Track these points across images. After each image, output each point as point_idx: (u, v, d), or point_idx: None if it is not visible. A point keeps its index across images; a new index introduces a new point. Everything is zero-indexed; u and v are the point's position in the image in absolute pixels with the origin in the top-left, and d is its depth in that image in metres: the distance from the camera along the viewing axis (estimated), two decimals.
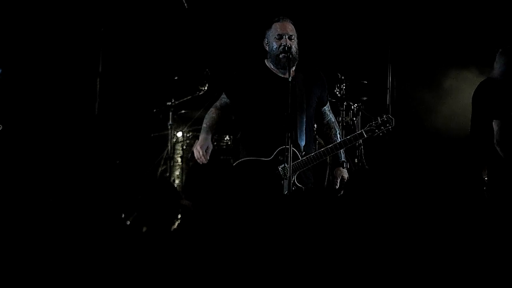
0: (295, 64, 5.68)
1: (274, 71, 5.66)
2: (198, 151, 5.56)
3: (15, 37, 8.16)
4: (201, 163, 5.54)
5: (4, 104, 7.82)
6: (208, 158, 5.53)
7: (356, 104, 7.46)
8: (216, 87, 7.44)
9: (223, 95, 5.69)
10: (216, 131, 5.79)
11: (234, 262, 4.31)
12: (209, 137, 5.61)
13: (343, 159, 5.64)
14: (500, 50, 6.20)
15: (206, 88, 7.56)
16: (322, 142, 6.10)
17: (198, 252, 4.50)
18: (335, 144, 5.51)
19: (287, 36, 5.61)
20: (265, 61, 5.72)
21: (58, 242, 4.42)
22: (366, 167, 7.31)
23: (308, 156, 5.47)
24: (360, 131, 5.56)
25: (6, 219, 5.12)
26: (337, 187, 5.49)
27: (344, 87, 7.52)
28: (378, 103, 7.64)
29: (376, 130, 5.54)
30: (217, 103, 5.70)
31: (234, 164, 5.55)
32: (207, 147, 5.54)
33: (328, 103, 5.81)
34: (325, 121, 5.80)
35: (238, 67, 5.69)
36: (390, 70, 7.31)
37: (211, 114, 5.69)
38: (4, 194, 6.47)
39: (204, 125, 5.66)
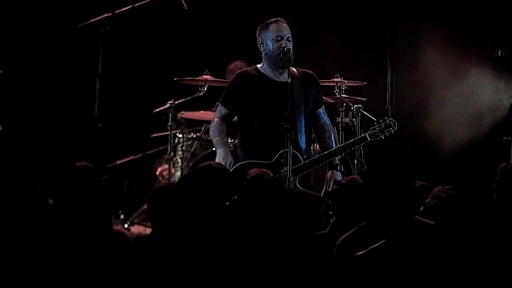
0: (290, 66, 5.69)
1: (269, 76, 5.65)
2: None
3: (15, 38, 8.15)
4: None
5: (4, 104, 7.82)
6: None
7: (355, 105, 7.45)
8: (216, 88, 7.45)
9: (222, 107, 5.67)
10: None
11: (230, 264, 4.29)
12: (228, 149, 5.58)
13: (337, 162, 5.65)
14: None
15: (205, 88, 7.56)
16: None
17: (195, 253, 4.48)
18: (339, 147, 5.53)
19: (285, 38, 5.62)
20: (258, 67, 5.69)
21: (56, 243, 4.39)
22: (366, 167, 7.30)
23: (311, 159, 5.48)
24: (363, 134, 5.57)
25: (6, 220, 5.10)
26: (330, 190, 5.48)
27: (343, 88, 7.51)
28: (378, 104, 7.63)
29: (379, 134, 5.55)
30: (218, 114, 5.68)
31: (234, 167, 5.54)
32: (230, 162, 5.52)
33: (323, 106, 5.80)
34: (319, 124, 5.79)
35: (233, 78, 5.69)
36: (390, 70, 7.30)
37: (218, 126, 5.65)
38: (4, 194, 6.45)
39: (216, 138, 5.61)
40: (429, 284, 3.73)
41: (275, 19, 5.74)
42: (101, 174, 6.63)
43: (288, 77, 5.48)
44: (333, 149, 5.56)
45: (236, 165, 5.55)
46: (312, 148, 6.17)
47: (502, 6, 8.10)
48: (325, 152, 5.56)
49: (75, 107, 8.21)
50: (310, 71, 5.85)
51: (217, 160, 5.51)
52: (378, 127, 5.62)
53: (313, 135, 5.98)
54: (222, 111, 5.71)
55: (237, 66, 7.24)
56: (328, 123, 5.83)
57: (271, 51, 5.63)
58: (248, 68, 5.83)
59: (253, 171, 4.61)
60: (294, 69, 5.72)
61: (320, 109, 5.81)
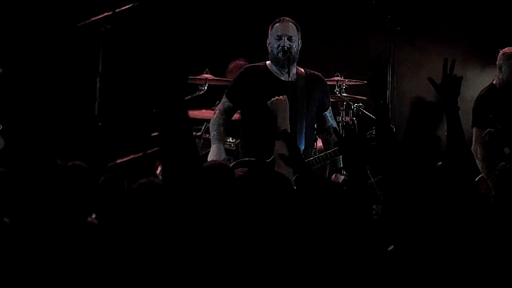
0: (295, 65, 5.70)
1: (276, 74, 5.68)
2: None
3: (15, 36, 8.16)
4: None
5: (4, 103, 7.83)
6: None
7: (356, 104, 7.46)
8: (216, 87, 7.46)
9: (225, 99, 5.69)
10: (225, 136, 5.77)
11: (231, 261, 4.29)
12: (222, 146, 5.60)
13: (340, 166, 5.67)
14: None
15: (206, 87, 7.57)
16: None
17: (195, 251, 4.48)
18: (334, 150, 5.54)
19: (286, 37, 5.64)
20: (267, 64, 5.73)
21: (55, 243, 4.40)
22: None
23: (307, 160, 5.49)
24: None
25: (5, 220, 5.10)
26: None
27: (344, 86, 7.52)
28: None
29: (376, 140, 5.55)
30: (221, 107, 5.71)
31: (231, 165, 5.55)
32: (223, 159, 5.54)
33: (329, 109, 5.83)
34: (325, 127, 5.83)
35: (241, 71, 5.71)
36: (390, 69, 7.30)
37: (217, 120, 5.67)
38: (3, 193, 6.45)
39: (214, 132, 5.63)
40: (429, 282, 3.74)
41: (281, 18, 5.78)
42: (98, 173, 6.66)
43: (289, 76, 5.51)
44: (328, 152, 5.60)
45: (234, 162, 5.58)
46: (313, 147, 6.19)
47: (502, 6, 8.11)
48: (321, 154, 5.60)
49: (75, 106, 8.21)
50: (318, 74, 5.87)
51: (209, 157, 5.53)
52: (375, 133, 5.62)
53: (314, 136, 6.01)
54: (225, 103, 5.75)
55: (237, 65, 7.25)
56: (334, 126, 5.86)
57: (272, 50, 5.69)
58: (258, 63, 5.86)
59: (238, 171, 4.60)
60: (302, 70, 5.76)
61: (326, 112, 5.84)
